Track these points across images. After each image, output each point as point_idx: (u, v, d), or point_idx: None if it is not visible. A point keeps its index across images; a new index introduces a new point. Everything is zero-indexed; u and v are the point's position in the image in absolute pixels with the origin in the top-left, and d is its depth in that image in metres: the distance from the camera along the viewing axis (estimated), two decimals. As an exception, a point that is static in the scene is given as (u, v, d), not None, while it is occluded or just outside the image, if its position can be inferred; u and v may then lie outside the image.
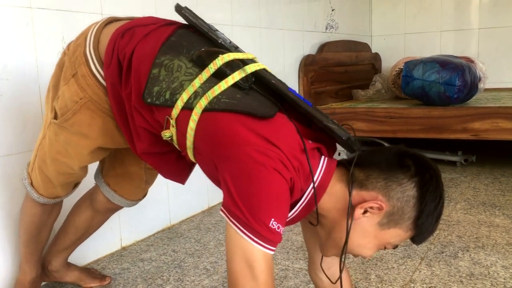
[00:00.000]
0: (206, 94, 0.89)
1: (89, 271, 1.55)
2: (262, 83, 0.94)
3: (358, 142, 0.93)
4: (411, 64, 2.80)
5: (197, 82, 0.91)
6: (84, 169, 1.23)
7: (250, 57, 0.97)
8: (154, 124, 0.99)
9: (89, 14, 1.60)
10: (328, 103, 3.13)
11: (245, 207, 0.80)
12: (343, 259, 0.93)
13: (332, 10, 3.34)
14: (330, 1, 3.31)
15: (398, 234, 0.91)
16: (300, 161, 0.86)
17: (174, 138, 0.96)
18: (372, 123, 2.75)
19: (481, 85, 2.87)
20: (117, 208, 1.38)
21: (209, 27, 1.01)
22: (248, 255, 0.81)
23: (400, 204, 0.88)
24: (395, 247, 0.96)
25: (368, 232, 0.91)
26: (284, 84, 0.93)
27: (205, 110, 0.89)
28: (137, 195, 1.36)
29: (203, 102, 0.89)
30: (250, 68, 0.92)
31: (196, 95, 0.90)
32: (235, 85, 0.91)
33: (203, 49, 0.95)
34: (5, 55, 1.37)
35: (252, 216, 0.80)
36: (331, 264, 1.11)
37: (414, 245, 1.71)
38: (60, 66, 1.11)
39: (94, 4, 1.62)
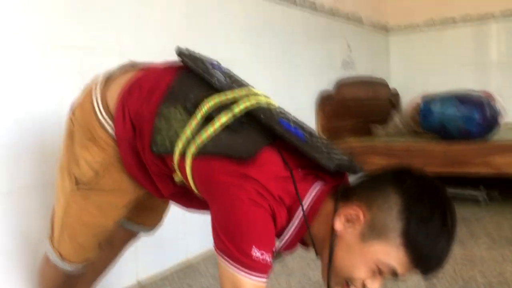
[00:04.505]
0: (195, 140, 0.93)
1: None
2: (255, 118, 0.95)
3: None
4: (429, 99, 2.80)
5: (188, 130, 0.95)
6: (117, 224, 1.23)
7: (243, 93, 0.99)
8: (168, 170, 1.03)
9: (107, 51, 1.66)
10: (345, 139, 3.13)
11: (227, 239, 0.84)
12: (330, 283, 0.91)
13: (349, 48, 3.38)
14: (347, 39, 3.35)
15: (386, 249, 0.86)
16: (284, 188, 0.87)
17: (185, 181, 1.01)
18: (390, 157, 2.73)
19: (501, 120, 2.84)
20: (135, 237, 1.39)
21: (206, 67, 1.03)
22: (236, 285, 0.84)
23: (382, 212, 0.85)
24: (394, 274, 0.88)
25: (352, 246, 0.88)
26: (274, 117, 0.94)
27: (194, 156, 0.93)
28: (159, 220, 1.39)
29: (192, 149, 0.93)
30: (238, 107, 0.94)
31: (188, 142, 0.94)
32: (224, 125, 0.93)
33: (192, 97, 0.99)
34: (27, 90, 1.43)
35: (234, 247, 0.83)
36: None
37: (434, 280, 1.67)
38: (70, 135, 1.13)
39: (112, 42, 1.68)
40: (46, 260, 1.26)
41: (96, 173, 1.09)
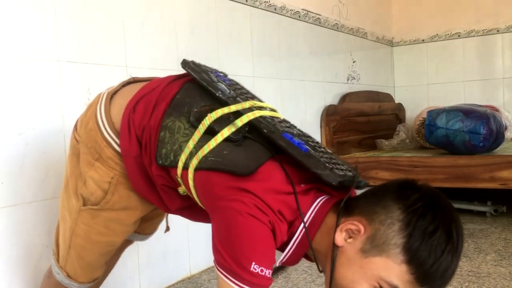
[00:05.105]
0: (197, 154, 0.93)
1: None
2: (258, 131, 0.95)
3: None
4: (434, 113, 2.79)
5: (191, 143, 0.95)
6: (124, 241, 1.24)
7: (247, 105, 0.98)
8: (173, 182, 1.03)
9: (114, 66, 1.67)
10: (351, 153, 3.12)
11: (227, 253, 0.83)
12: None
13: (353, 62, 3.39)
14: (351, 53, 3.36)
15: (388, 265, 0.83)
16: (285, 203, 0.87)
17: (188, 193, 1.01)
18: (395, 172, 2.71)
19: (507, 134, 2.82)
20: (130, 243, 1.39)
21: (210, 79, 1.03)
22: None
23: (383, 227, 0.84)
24: None
25: (352, 260, 0.86)
26: (278, 131, 0.93)
27: (196, 169, 0.93)
28: (156, 228, 1.37)
29: (194, 162, 0.93)
30: (242, 121, 0.94)
31: (191, 156, 0.94)
32: (227, 139, 0.93)
33: (195, 110, 0.98)
34: (32, 106, 1.43)
35: (233, 262, 0.82)
36: None
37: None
38: (75, 154, 1.12)
39: (119, 57, 1.69)
40: (49, 277, 1.25)
41: (105, 192, 1.08)
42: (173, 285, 1.92)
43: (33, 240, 1.45)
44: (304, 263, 2.04)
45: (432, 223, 0.83)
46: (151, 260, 1.84)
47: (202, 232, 2.05)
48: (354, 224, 0.87)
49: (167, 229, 1.39)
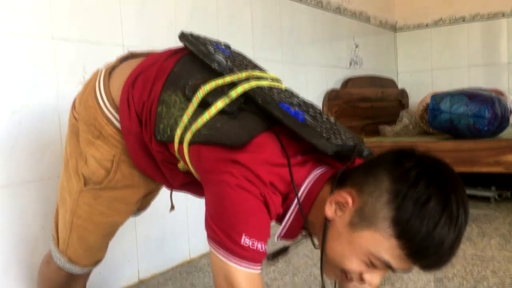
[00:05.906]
0: (191, 127, 0.91)
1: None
2: (254, 102, 0.92)
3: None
4: (438, 97, 2.74)
5: (185, 117, 0.93)
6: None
7: (243, 76, 0.95)
8: (173, 158, 1.00)
9: (110, 45, 1.63)
10: (353, 138, 3.07)
11: (217, 227, 0.82)
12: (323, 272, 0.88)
13: (356, 47, 3.34)
14: (354, 38, 3.31)
15: (377, 239, 0.78)
16: (278, 175, 0.84)
17: (187, 168, 0.98)
18: (399, 157, 2.67)
19: (512, 118, 2.78)
20: None
21: (207, 51, 0.99)
22: (227, 274, 0.81)
23: (371, 199, 0.79)
24: (390, 268, 0.81)
25: (341, 234, 0.83)
26: (274, 101, 0.89)
27: (190, 144, 0.91)
28: (150, 203, 1.32)
29: (188, 136, 0.91)
30: (236, 92, 0.91)
31: (186, 130, 0.92)
32: (222, 111, 0.90)
33: (191, 82, 0.95)
34: (26, 84, 1.40)
35: (224, 235, 0.81)
36: None
37: (445, 280, 1.61)
38: (74, 133, 1.09)
39: (116, 36, 1.66)
40: (48, 263, 1.22)
41: (107, 171, 1.06)
42: (172, 268, 1.90)
43: (29, 222, 1.42)
44: (305, 247, 2.02)
45: (425, 192, 0.76)
46: (150, 243, 1.81)
47: (201, 215, 2.02)
48: (342, 196, 0.83)
49: (172, 207, 1.36)
